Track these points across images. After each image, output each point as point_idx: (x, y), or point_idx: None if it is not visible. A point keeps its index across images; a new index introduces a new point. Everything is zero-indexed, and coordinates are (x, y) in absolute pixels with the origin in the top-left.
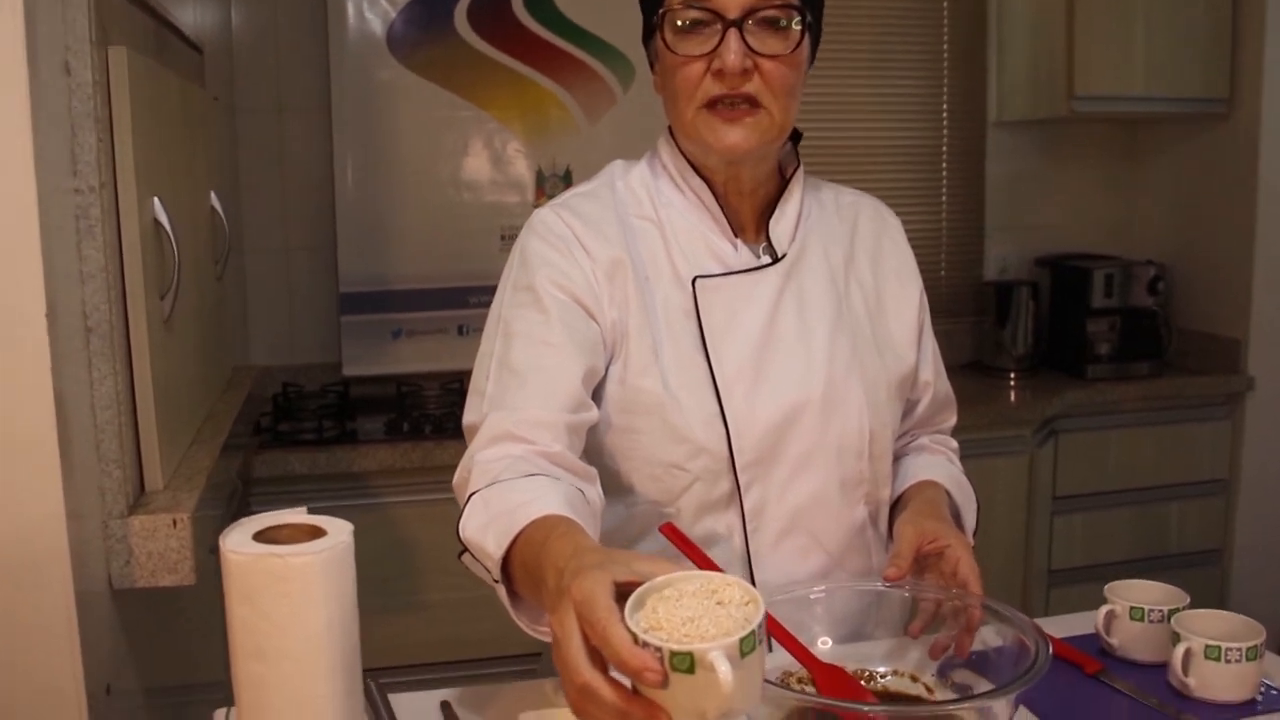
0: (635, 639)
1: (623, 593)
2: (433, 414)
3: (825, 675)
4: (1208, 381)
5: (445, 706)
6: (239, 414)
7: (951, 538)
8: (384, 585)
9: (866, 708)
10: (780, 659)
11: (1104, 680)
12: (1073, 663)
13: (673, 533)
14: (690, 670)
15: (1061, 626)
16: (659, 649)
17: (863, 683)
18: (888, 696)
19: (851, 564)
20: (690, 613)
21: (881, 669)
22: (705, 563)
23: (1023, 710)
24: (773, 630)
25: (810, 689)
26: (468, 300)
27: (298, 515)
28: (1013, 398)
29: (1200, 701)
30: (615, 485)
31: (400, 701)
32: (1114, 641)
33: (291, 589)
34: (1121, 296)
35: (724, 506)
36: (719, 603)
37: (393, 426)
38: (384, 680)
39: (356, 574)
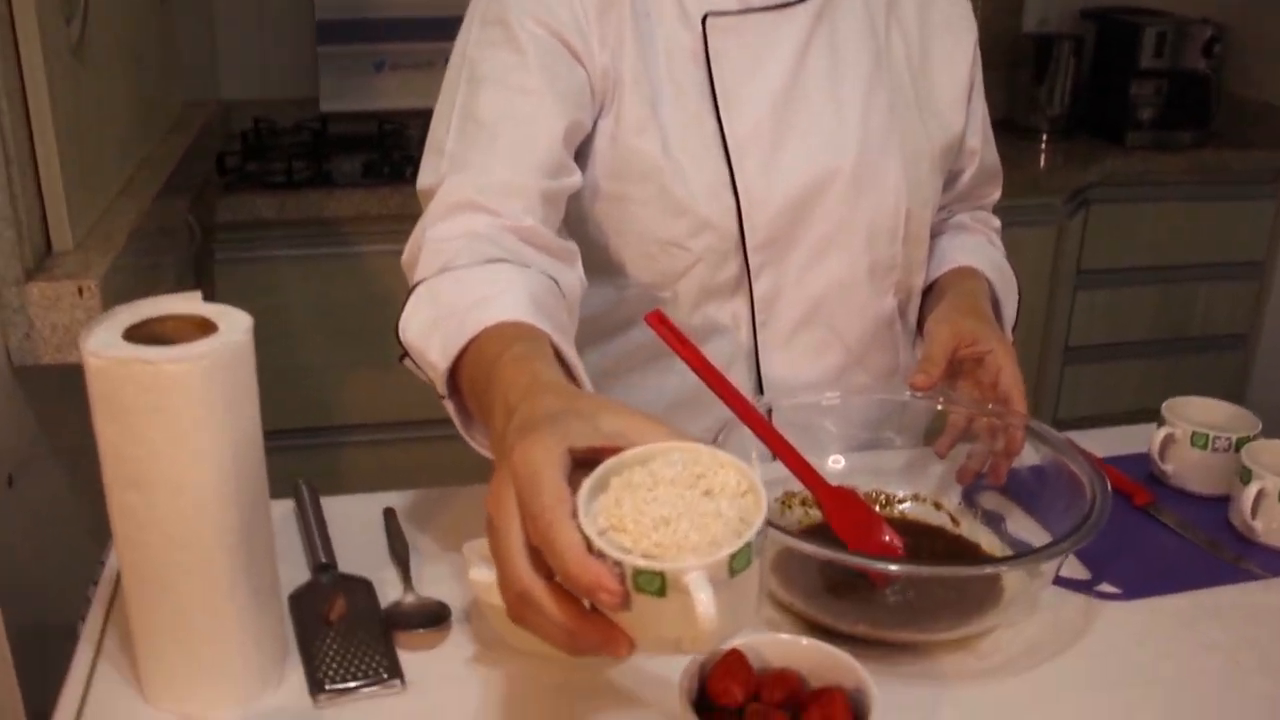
0: (589, 544)
1: (584, 461)
2: (415, 156)
3: (834, 501)
4: (1256, 156)
5: (389, 515)
6: (196, 154)
7: (994, 341)
8: (357, 339)
9: (881, 565)
10: (781, 473)
11: (1153, 514)
12: (1120, 491)
13: (661, 324)
14: (660, 593)
15: (1103, 443)
16: (619, 563)
17: (878, 508)
18: (906, 527)
19: (874, 362)
20: (666, 509)
21: (900, 492)
22: (699, 364)
23: (1045, 538)
24: (775, 446)
25: (814, 512)
26: (458, 29)
27: (189, 302)
28: (1044, 162)
29: (1267, 549)
30: (602, 264)
31: (338, 507)
32: (1168, 469)
33: (167, 404)
34: (1172, 58)
35: (730, 293)
36: (706, 492)
37: (371, 169)
38: (344, 439)
39: (301, 343)
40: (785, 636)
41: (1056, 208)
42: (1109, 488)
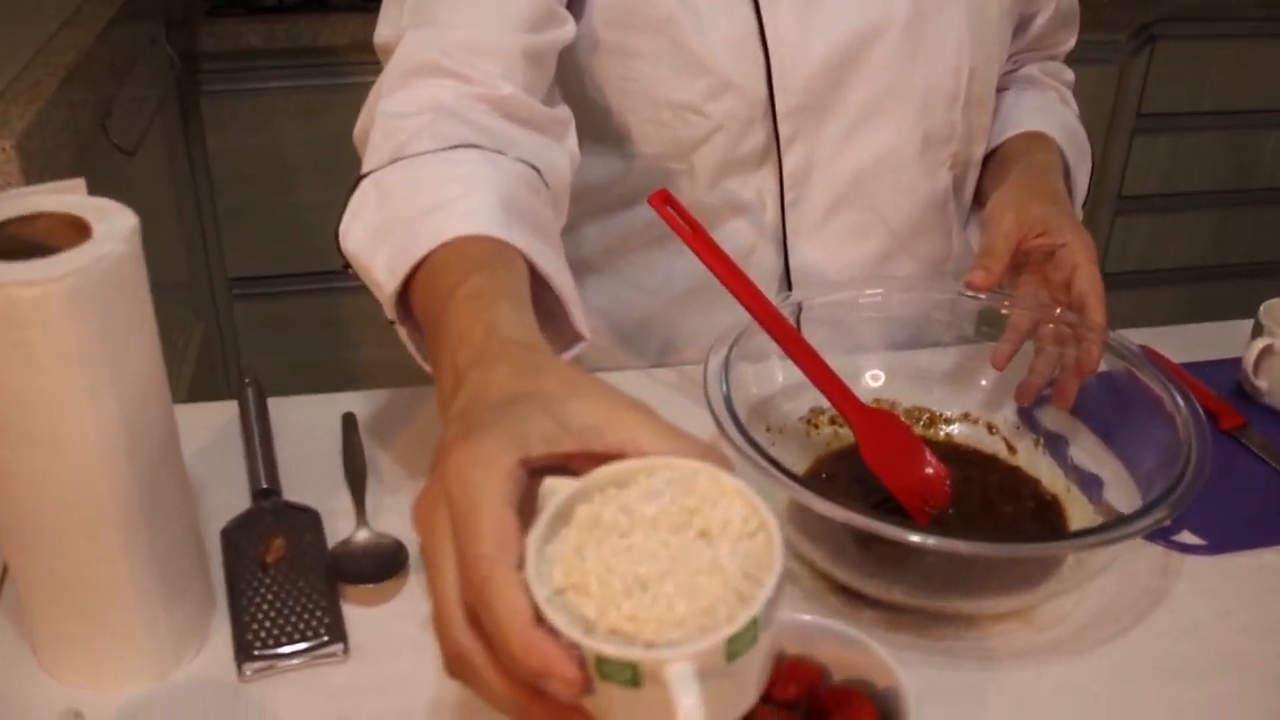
0: (539, 613)
1: (547, 468)
2: None
3: (868, 426)
4: None
5: (349, 424)
6: None
7: (1069, 233)
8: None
9: (912, 535)
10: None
11: (1243, 441)
12: (1206, 409)
13: (665, 206)
14: (633, 684)
15: (1179, 345)
16: (577, 646)
17: (920, 429)
18: (954, 454)
19: (922, 249)
20: (645, 564)
21: (947, 410)
22: (711, 255)
23: (1117, 468)
24: (799, 357)
25: (846, 432)
26: None
27: (64, 196)
28: None
29: None
30: (603, 129)
31: (291, 412)
32: (1262, 385)
33: (23, 337)
34: None
35: (755, 166)
36: (701, 534)
37: None
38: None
39: (296, 182)
40: (805, 619)
41: (1120, 44)
42: (1204, 422)
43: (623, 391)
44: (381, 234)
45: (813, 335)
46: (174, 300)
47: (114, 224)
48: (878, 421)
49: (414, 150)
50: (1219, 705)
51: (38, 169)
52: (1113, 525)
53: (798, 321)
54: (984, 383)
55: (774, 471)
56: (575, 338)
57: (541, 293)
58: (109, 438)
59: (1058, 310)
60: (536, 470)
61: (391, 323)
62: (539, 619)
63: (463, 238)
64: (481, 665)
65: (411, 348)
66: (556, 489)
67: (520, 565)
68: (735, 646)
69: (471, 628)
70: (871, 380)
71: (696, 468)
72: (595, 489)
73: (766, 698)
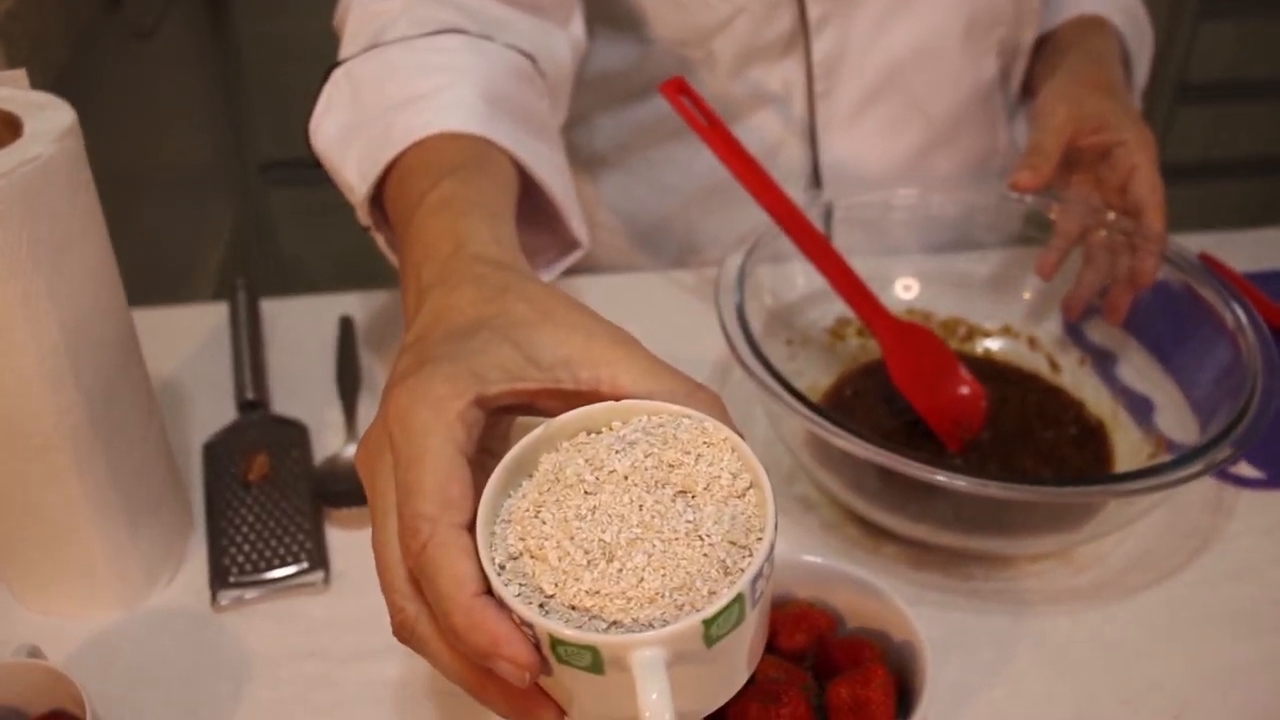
0: (489, 584)
1: (506, 408)
2: None
3: (898, 341)
4: None
5: (345, 329)
6: None
7: (1127, 129)
8: None
9: (944, 476)
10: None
11: None
12: (1272, 326)
13: (679, 95)
14: (595, 669)
15: (1245, 252)
16: (530, 625)
17: (956, 345)
18: (992, 371)
19: (965, 145)
20: (612, 529)
21: (986, 323)
22: (729, 152)
23: (1171, 390)
24: (823, 264)
25: (874, 345)
26: None
27: (9, 84)
28: None
29: None
30: (616, 11)
31: (285, 314)
32: None
33: None
34: None
35: (780, 53)
36: (681, 492)
37: None
38: None
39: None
40: (817, 561)
41: None
42: (1271, 345)
43: (604, 319)
44: (352, 131)
45: (843, 239)
46: (202, 189)
47: (48, 122)
48: (908, 335)
49: (392, 36)
50: (1274, 664)
51: (24, 55)
52: (1165, 468)
53: (827, 223)
54: (1027, 294)
55: (784, 395)
56: (573, 244)
57: (537, 195)
58: (50, 354)
59: (1111, 215)
60: (500, 410)
61: (366, 229)
62: (490, 590)
63: (439, 135)
64: (429, 636)
65: (391, 256)
66: (529, 430)
67: (468, 525)
68: (716, 629)
69: (416, 593)
70: (904, 290)
71: (680, 413)
72: (562, 435)
73: (772, 647)
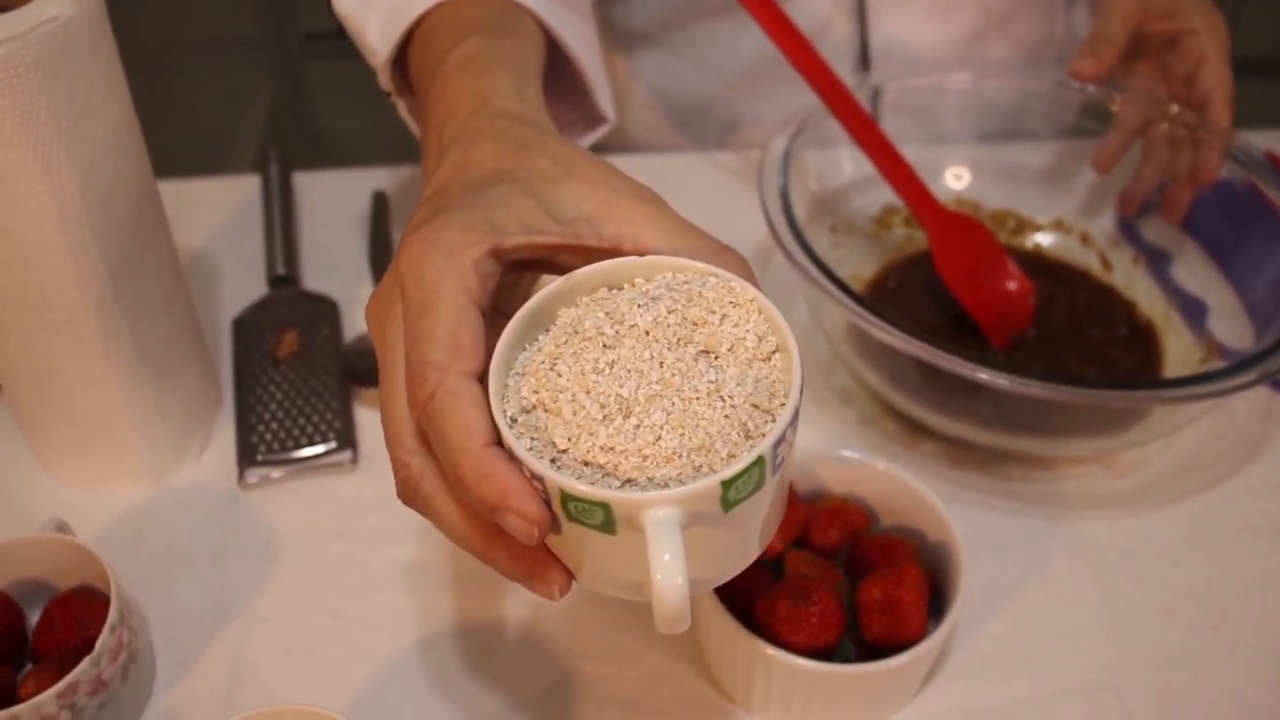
0: (500, 436)
1: (529, 263)
2: None
3: (945, 232)
4: None
5: (379, 203)
6: None
7: (1199, 17)
8: None
9: (987, 374)
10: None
11: None
12: None
13: None
14: (606, 528)
15: None
16: (540, 479)
17: (1006, 238)
18: (1042, 266)
19: (1021, 29)
20: (630, 384)
21: (1038, 216)
22: (776, 25)
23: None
24: (872, 148)
25: (920, 235)
26: None
27: None
28: None
29: None
30: None
31: (317, 185)
32: None
33: None
34: None
35: None
36: (704, 352)
37: None
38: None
39: None
40: (853, 456)
41: None
42: None
43: (630, 177)
44: None
45: (891, 124)
46: (240, 60)
47: None
48: (956, 226)
49: None
50: None
51: None
52: (1217, 375)
53: (875, 107)
54: (1082, 188)
55: (825, 283)
56: (600, 120)
57: (563, 67)
58: (72, 222)
59: (1175, 108)
60: (516, 266)
61: (388, 95)
62: (500, 442)
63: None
64: (434, 493)
65: (412, 124)
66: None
67: (478, 375)
68: (734, 492)
69: (423, 448)
70: (954, 180)
71: (707, 271)
72: (582, 290)
73: (805, 543)
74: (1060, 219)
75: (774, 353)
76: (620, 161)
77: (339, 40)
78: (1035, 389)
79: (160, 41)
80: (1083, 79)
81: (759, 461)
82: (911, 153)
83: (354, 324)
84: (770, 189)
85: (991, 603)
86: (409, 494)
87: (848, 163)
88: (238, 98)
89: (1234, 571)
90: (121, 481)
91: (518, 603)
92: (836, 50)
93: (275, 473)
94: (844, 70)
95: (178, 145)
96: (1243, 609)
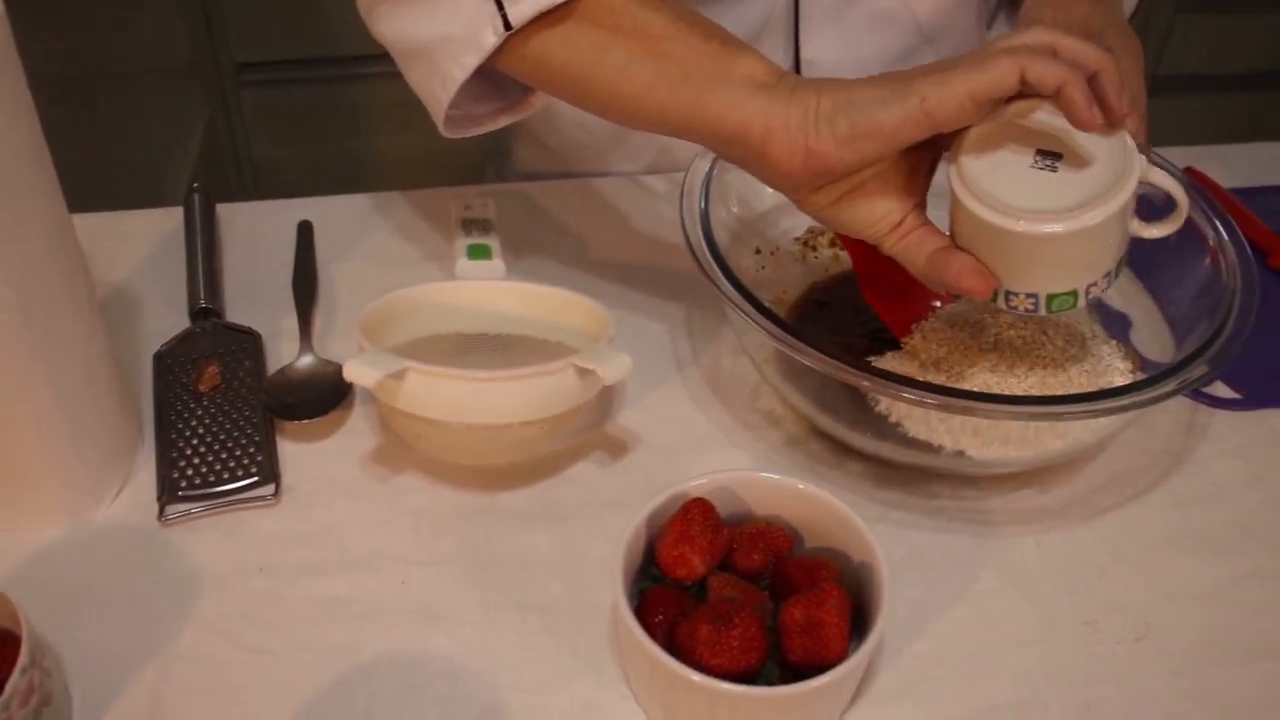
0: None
1: None
2: None
3: (868, 248)
4: None
5: (304, 234)
6: None
7: (1114, 37)
8: None
9: (910, 395)
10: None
11: None
12: (1255, 244)
13: None
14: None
15: (1233, 168)
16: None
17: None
18: None
19: (950, 45)
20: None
21: None
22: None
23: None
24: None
25: (845, 255)
26: None
27: None
28: None
29: None
30: None
31: (242, 217)
32: None
33: None
34: None
35: None
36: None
37: None
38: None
39: None
40: (774, 478)
41: None
42: (1251, 262)
43: None
44: None
45: None
46: (176, 87)
47: None
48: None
49: None
50: (1237, 586)
51: None
52: (1136, 387)
53: None
54: None
55: (744, 304)
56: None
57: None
58: None
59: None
60: None
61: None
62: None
63: None
64: None
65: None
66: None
67: None
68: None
69: None
70: None
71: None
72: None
73: (728, 566)
74: None
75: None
76: (555, 186)
77: (274, 70)
78: (954, 406)
79: (92, 71)
80: None
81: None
82: None
83: (277, 356)
84: (691, 213)
85: (918, 621)
86: None
87: None
88: (171, 127)
89: (1157, 583)
90: (36, 520)
91: (442, 636)
92: None
93: (196, 508)
94: None
95: (112, 177)
96: (1166, 620)
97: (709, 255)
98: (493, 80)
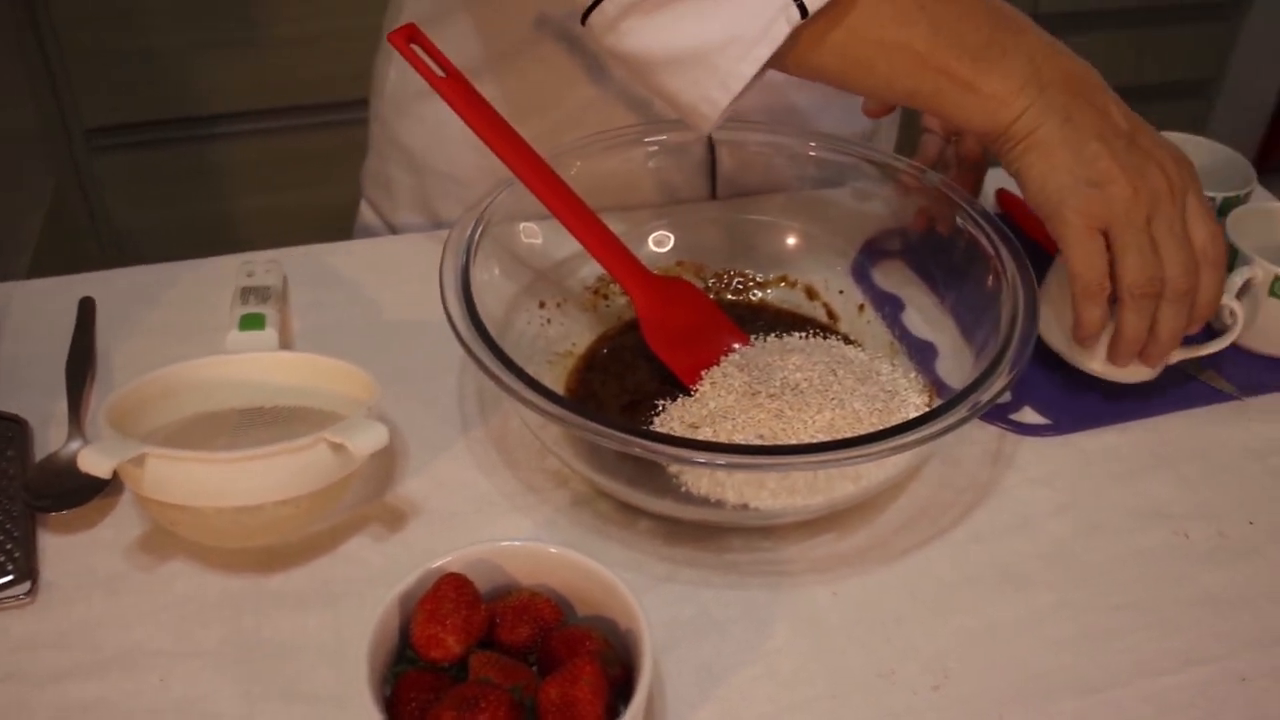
0: None
1: None
2: None
3: (653, 296)
4: None
5: (84, 312)
6: None
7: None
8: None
9: (703, 461)
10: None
11: None
12: (1041, 244)
13: (407, 45)
14: None
15: None
16: None
17: (731, 297)
18: (766, 318)
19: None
20: None
21: (760, 274)
22: (468, 109)
23: (954, 335)
24: (571, 221)
25: (615, 290)
26: None
27: None
28: None
29: (1252, 355)
30: None
31: (23, 295)
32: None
33: None
34: None
35: None
36: None
37: None
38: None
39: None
40: (537, 546)
41: None
42: (1034, 285)
43: None
44: None
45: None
46: (20, 154)
47: None
48: (663, 290)
49: None
50: (1042, 621)
51: None
52: (926, 419)
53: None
54: (797, 240)
55: (492, 366)
56: None
57: None
58: None
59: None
60: None
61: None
62: None
63: None
64: None
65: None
66: None
67: None
68: None
69: None
70: (655, 246)
71: None
72: None
73: (492, 642)
74: (786, 275)
75: None
76: (347, 245)
77: (125, 134)
78: (721, 462)
79: None
80: (873, 115)
81: None
82: (622, 220)
83: (45, 444)
84: (450, 272)
85: (704, 686)
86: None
87: (564, 236)
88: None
89: (957, 625)
90: None
91: None
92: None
93: None
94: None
95: None
96: (964, 665)
97: (464, 315)
98: None
